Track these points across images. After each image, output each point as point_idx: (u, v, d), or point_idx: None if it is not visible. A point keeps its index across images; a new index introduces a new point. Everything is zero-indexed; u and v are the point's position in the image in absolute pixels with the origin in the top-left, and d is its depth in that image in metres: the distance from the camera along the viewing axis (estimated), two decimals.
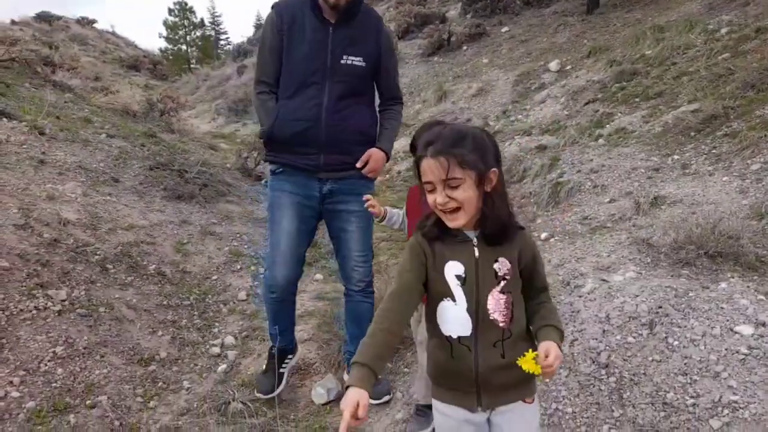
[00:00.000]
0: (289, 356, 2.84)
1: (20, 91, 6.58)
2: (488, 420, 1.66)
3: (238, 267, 4.14)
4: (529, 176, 4.93)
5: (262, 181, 5.95)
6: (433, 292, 1.57)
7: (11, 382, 2.56)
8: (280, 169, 2.58)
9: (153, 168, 5.27)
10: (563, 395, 2.29)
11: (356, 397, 1.41)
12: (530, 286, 1.62)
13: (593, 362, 2.36)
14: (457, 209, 1.48)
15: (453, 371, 1.61)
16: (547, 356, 1.44)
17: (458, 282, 1.55)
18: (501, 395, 1.61)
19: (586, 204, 4.08)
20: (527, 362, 1.47)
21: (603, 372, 2.30)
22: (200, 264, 4.06)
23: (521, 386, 1.61)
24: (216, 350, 3.20)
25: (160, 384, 2.86)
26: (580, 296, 2.75)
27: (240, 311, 3.62)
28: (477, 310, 1.54)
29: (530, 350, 1.48)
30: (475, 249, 1.54)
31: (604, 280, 2.82)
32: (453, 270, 1.55)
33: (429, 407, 2.41)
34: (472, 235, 1.54)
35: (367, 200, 2.33)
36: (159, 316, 3.38)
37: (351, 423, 1.40)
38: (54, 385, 2.63)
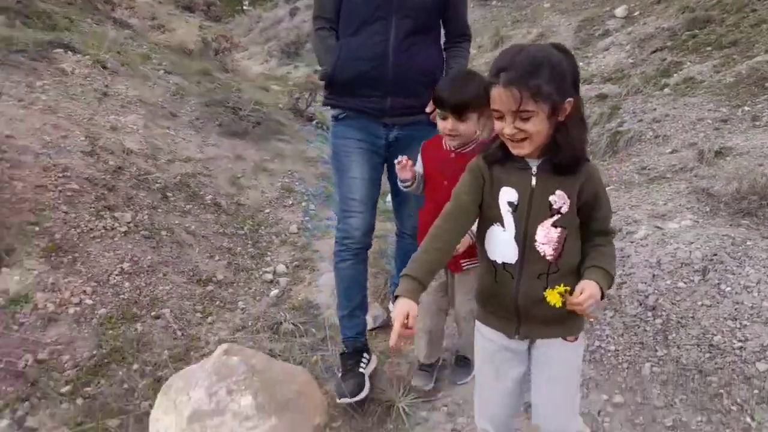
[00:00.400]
0: (365, 356, 2.50)
1: (83, 27, 6.77)
2: (530, 351, 1.70)
3: (290, 202, 4.26)
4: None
5: (314, 122, 6.00)
6: (485, 215, 1.58)
7: (84, 291, 2.78)
8: (344, 114, 2.39)
9: (208, 104, 5.39)
10: (607, 334, 2.31)
11: (406, 307, 1.46)
12: (588, 226, 1.56)
13: (640, 305, 2.36)
14: (524, 139, 1.44)
15: (495, 296, 1.63)
16: (581, 295, 1.43)
17: (509, 209, 1.54)
18: (541, 328, 1.61)
19: (645, 154, 3.95)
20: (552, 294, 1.45)
21: (649, 314, 2.30)
22: (254, 197, 4.20)
23: (563, 323, 1.60)
24: (269, 277, 3.36)
25: (217, 303, 3.04)
26: (631, 242, 2.71)
27: (291, 243, 3.75)
28: (524, 240, 1.54)
29: (562, 285, 1.47)
30: (533, 178, 1.51)
31: (658, 227, 2.76)
32: (506, 196, 1.54)
33: (467, 359, 2.45)
34: (533, 163, 1.51)
35: (400, 162, 2.14)
36: (216, 243, 3.55)
37: (401, 332, 1.47)
38: (122, 296, 2.84)
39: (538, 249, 1.53)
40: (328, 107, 2.47)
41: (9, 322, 2.52)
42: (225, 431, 1.69)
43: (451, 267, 2.20)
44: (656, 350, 2.17)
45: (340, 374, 2.44)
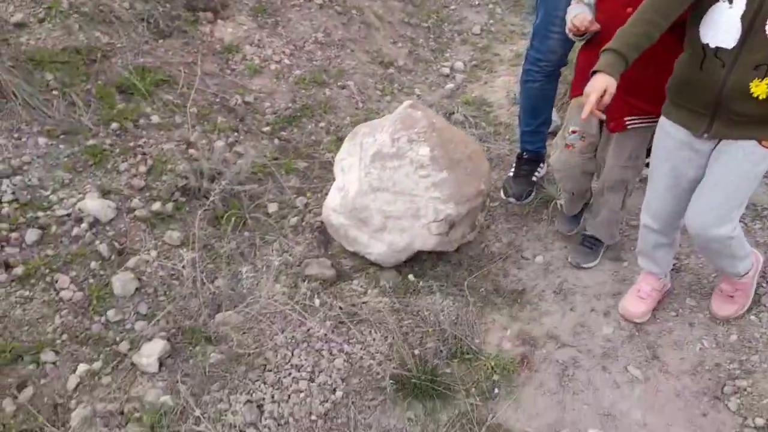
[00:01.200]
0: (541, 165, 2.53)
1: None
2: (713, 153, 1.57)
3: (476, 2, 4.07)
4: None
5: None
6: None
7: (284, 52, 3.05)
8: None
9: None
10: None
11: (605, 83, 1.40)
12: None
13: None
14: None
15: (695, 86, 1.49)
16: None
17: None
18: (736, 128, 1.48)
19: None
20: (760, 85, 1.30)
21: None
22: None
23: (764, 125, 1.45)
24: (446, 71, 3.38)
25: (395, 85, 3.18)
26: None
27: (472, 43, 3.67)
28: (753, 20, 1.34)
29: None
30: None
31: None
32: None
33: (597, 241, 2.16)
34: None
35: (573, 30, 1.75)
36: (400, 31, 3.59)
37: (594, 110, 1.43)
38: (314, 62, 3.08)
39: (766, 32, 1.33)
40: None
41: (223, 66, 2.90)
42: (401, 174, 1.87)
43: (611, 124, 1.82)
44: None
45: (511, 174, 2.50)
